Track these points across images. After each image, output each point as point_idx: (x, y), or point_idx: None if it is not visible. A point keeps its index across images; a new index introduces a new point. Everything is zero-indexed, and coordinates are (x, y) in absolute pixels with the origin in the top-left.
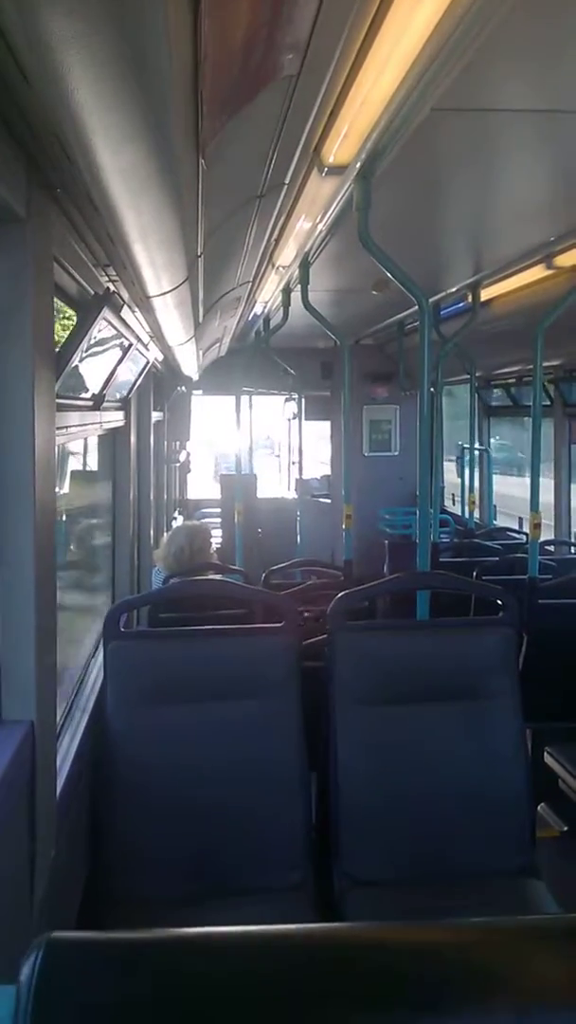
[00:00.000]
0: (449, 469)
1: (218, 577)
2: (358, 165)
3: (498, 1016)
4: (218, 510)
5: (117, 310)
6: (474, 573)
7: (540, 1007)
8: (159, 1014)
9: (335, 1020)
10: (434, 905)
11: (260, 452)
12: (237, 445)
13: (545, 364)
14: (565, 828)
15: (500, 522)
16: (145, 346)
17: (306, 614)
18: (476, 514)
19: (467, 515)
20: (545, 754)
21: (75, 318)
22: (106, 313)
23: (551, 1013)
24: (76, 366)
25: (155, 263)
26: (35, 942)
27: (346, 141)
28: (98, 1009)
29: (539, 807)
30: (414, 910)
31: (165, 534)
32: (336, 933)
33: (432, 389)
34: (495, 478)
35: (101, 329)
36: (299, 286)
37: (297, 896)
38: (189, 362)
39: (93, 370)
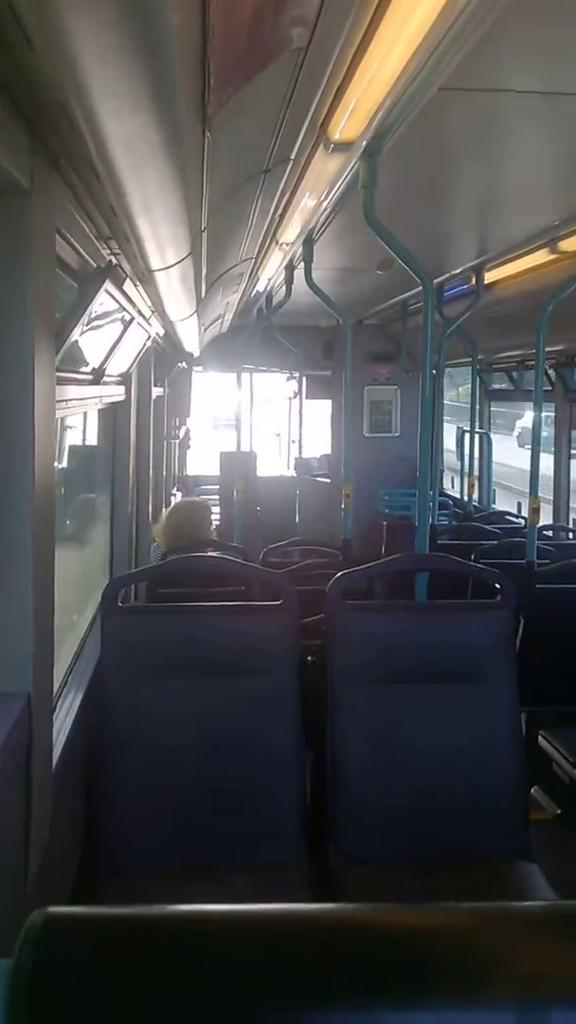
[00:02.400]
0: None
1: (216, 554)
2: (364, 142)
3: (496, 1000)
4: (217, 487)
5: (119, 283)
6: (472, 556)
7: (539, 993)
8: (155, 990)
9: (329, 1000)
10: (427, 885)
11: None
12: (236, 408)
13: (547, 349)
14: (558, 811)
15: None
16: (147, 320)
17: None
18: (475, 497)
19: (466, 498)
20: (539, 737)
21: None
22: (108, 286)
23: (550, 1000)
24: (77, 340)
25: (158, 236)
26: (32, 916)
27: (353, 118)
28: (94, 984)
29: (532, 790)
30: (407, 890)
31: (164, 510)
32: (333, 913)
33: (434, 371)
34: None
35: (102, 303)
36: (303, 263)
37: (291, 872)
38: (190, 338)
39: (94, 344)
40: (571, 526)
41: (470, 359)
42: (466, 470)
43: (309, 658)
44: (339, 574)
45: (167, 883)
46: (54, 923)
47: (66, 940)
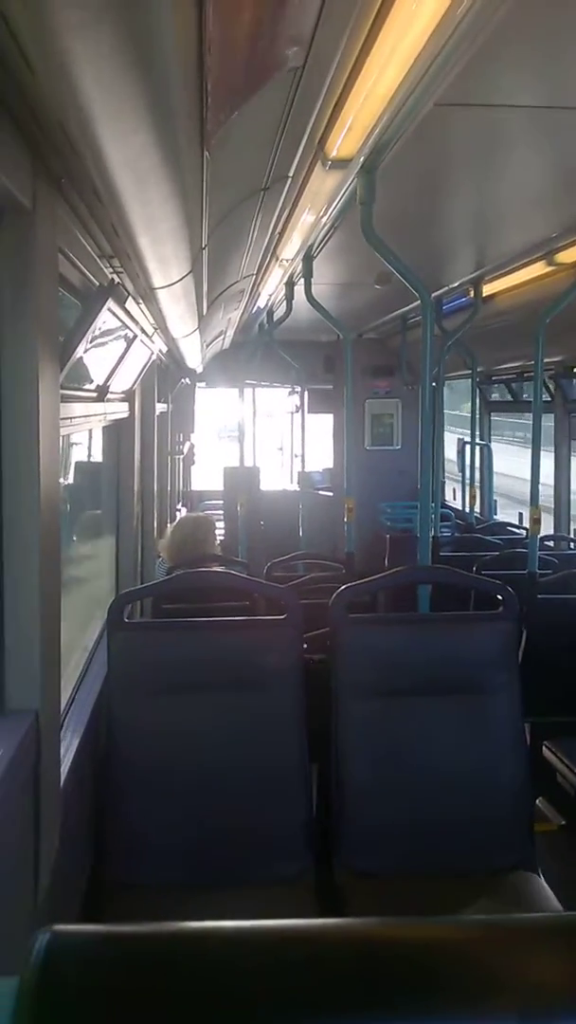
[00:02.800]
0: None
1: (221, 569)
2: (362, 159)
3: (502, 1015)
4: (221, 502)
5: (122, 301)
6: (474, 568)
7: (545, 1007)
8: (161, 1007)
9: (337, 1015)
10: (433, 897)
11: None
12: (239, 423)
13: (546, 360)
14: (563, 822)
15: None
16: (149, 338)
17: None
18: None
19: (468, 510)
20: (544, 748)
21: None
22: (111, 304)
23: (556, 1013)
24: (80, 357)
25: (160, 255)
26: (38, 934)
27: (350, 135)
28: (100, 1001)
29: (537, 801)
30: (413, 903)
31: (169, 525)
32: (340, 928)
33: (434, 384)
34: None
35: (105, 321)
36: (302, 279)
37: (298, 887)
38: (193, 354)
39: (98, 361)
40: (572, 536)
41: (470, 371)
42: (467, 482)
43: (313, 671)
44: (342, 587)
45: (175, 899)
46: (61, 940)
47: (72, 958)
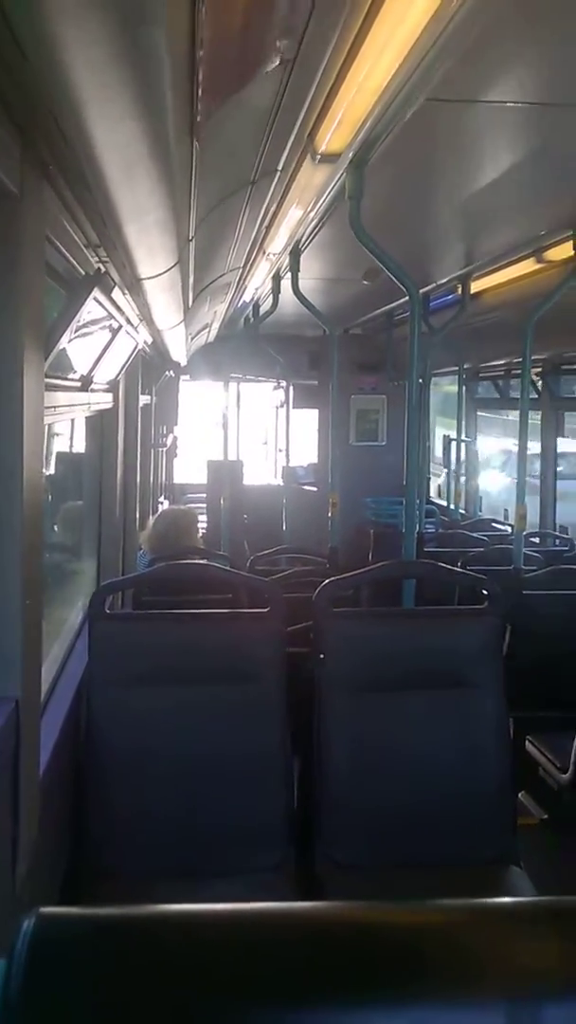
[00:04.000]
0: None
1: (203, 561)
2: (351, 154)
3: (489, 996)
4: (204, 495)
5: (108, 291)
6: (459, 563)
7: (530, 989)
8: (148, 989)
9: (320, 997)
10: (413, 889)
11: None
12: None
13: (533, 357)
14: (544, 816)
15: None
16: (135, 328)
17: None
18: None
19: (453, 506)
20: (526, 743)
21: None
22: (96, 294)
23: (541, 996)
24: (65, 347)
25: (146, 245)
26: (24, 916)
27: (339, 129)
28: (87, 983)
29: (519, 795)
30: (393, 894)
31: (151, 517)
32: (323, 911)
33: (420, 380)
34: None
35: (91, 311)
36: (289, 274)
37: (278, 877)
38: (178, 346)
39: (82, 351)
40: (557, 532)
41: (456, 368)
42: (452, 478)
43: (296, 665)
44: (326, 581)
45: (155, 887)
46: (47, 923)
47: (59, 940)
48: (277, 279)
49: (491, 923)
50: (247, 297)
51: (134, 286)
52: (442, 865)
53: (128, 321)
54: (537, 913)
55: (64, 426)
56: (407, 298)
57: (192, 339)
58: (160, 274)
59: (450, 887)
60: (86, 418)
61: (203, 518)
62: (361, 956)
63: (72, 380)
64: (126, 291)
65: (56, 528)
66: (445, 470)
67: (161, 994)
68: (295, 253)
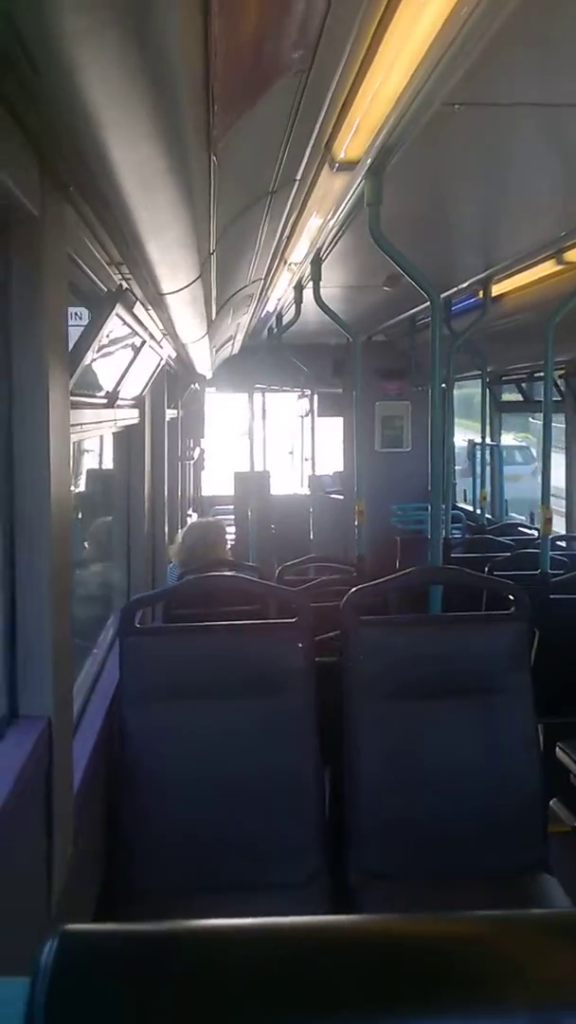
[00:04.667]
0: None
1: (232, 573)
2: (369, 161)
3: (513, 1011)
4: (232, 507)
5: (130, 307)
6: (486, 569)
7: (557, 1004)
8: (173, 1006)
9: (350, 1010)
10: (446, 899)
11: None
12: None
13: (556, 359)
14: None
15: None
16: (158, 343)
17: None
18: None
19: (479, 511)
20: (557, 749)
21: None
22: (119, 310)
23: (570, 1010)
24: (90, 364)
25: (168, 260)
26: (49, 934)
27: (357, 137)
28: (112, 1000)
29: (551, 802)
30: (427, 904)
31: (180, 531)
32: (353, 925)
33: (444, 385)
34: None
35: (114, 328)
36: (311, 283)
37: (311, 890)
38: (202, 359)
39: (107, 368)
40: None
41: (480, 372)
42: (477, 483)
43: (325, 674)
44: (353, 589)
45: (189, 903)
46: (72, 939)
47: (84, 957)
48: (299, 289)
49: (524, 935)
50: (270, 308)
51: (157, 301)
52: (474, 874)
53: (152, 336)
54: (570, 924)
55: (94, 443)
56: (428, 303)
57: (216, 351)
58: (182, 288)
59: (482, 896)
60: (113, 434)
61: (231, 529)
62: (393, 970)
63: (98, 397)
64: (149, 307)
65: (86, 545)
66: (470, 474)
67: (189, 1011)
68: (316, 262)
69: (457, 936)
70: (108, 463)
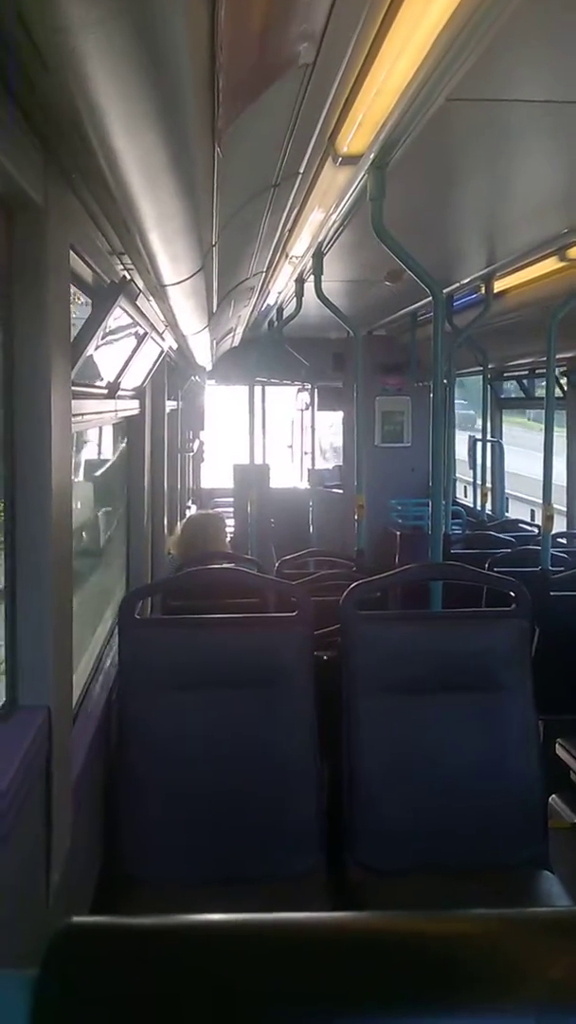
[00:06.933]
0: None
1: (231, 566)
2: (372, 155)
3: (514, 1010)
4: (231, 500)
5: (133, 298)
6: (486, 565)
7: (558, 1004)
8: (180, 1000)
9: (353, 1008)
10: (445, 894)
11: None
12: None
13: (558, 356)
14: None
15: None
16: (160, 335)
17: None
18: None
19: (479, 507)
20: (556, 746)
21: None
22: (122, 301)
23: (570, 1010)
24: (92, 355)
25: (170, 251)
26: (55, 926)
27: (360, 131)
28: (118, 993)
29: (551, 798)
30: (425, 899)
31: (179, 523)
32: (356, 922)
33: (445, 380)
34: None
35: (116, 318)
36: (312, 276)
37: (309, 883)
38: (203, 352)
39: (108, 359)
40: None
41: (481, 368)
42: (478, 479)
43: (324, 669)
44: (353, 584)
45: (186, 895)
46: (78, 932)
47: (90, 949)
48: (300, 282)
49: (524, 933)
50: (271, 301)
51: (158, 292)
52: (473, 870)
53: (153, 327)
54: (571, 921)
55: (93, 433)
56: (430, 298)
57: (217, 344)
58: (184, 280)
59: (481, 892)
60: (113, 425)
61: (231, 522)
62: (395, 968)
63: (99, 388)
64: (151, 298)
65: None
66: (471, 471)
67: (193, 1005)
68: (318, 256)
69: (458, 934)
70: (107, 455)
